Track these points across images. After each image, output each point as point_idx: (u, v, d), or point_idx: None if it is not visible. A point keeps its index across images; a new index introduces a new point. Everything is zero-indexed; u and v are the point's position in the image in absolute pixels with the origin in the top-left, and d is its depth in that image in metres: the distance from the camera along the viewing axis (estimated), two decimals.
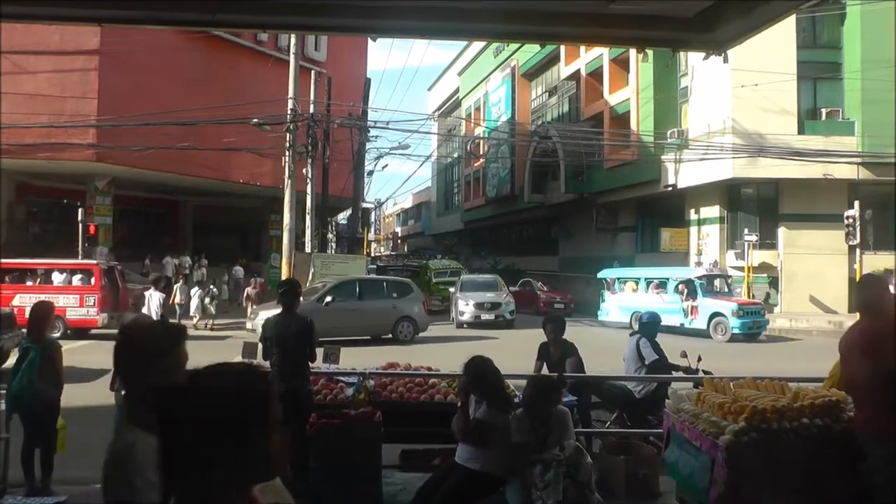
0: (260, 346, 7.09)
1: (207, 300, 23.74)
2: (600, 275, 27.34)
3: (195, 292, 23.67)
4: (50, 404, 6.52)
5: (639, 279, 25.60)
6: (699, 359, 8.06)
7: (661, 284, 24.19)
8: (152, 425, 1.81)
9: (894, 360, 4.04)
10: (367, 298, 20.85)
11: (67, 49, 24.54)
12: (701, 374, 7.51)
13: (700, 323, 22.03)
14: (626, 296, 25.45)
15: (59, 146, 24.04)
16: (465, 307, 25.18)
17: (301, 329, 6.76)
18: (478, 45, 55.32)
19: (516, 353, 9.98)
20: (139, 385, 2.26)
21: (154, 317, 14.30)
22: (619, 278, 26.48)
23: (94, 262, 21.06)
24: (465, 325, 24.96)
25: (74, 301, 19.70)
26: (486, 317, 24.83)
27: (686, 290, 22.76)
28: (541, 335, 7.95)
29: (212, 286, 25.26)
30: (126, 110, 23.73)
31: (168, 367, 2.26)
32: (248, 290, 25.33)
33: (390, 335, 20.56)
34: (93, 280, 20.23)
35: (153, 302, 14.53)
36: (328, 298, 20.12)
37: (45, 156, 23.87)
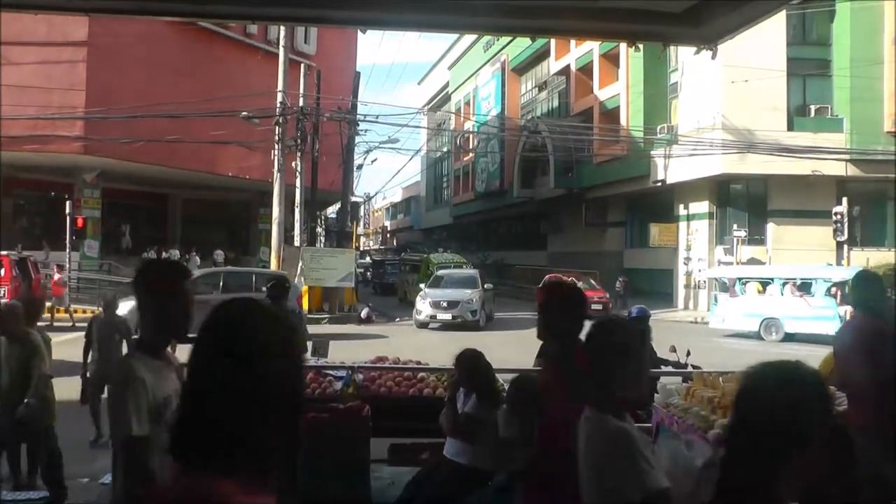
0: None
1: None
2: (710, 274, 24.40)
3: None
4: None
5: (769, 279, 21.92)
6: (688, 353, 8.06)
7: (803, 285, 20.81)
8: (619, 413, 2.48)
9: (889, 356, 4.05)
10: (230, 291, 18.22)
11: (55, 40, 24.33)
12: (690, 369, 7.52)
13: None
14: (752, 299, 21.67)
15: (46, 138, 23.86)
16: (423, 305, 23.05)
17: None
18: (468, 40, 55.26)
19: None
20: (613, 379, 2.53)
21: None
22: (740, 278, 22.54)
23: (4, 253, 20.47)
24: (427, 326, 22.79)
25: None
26: (442, 316, 22.43)
27: (842, 293, 19.52)
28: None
29: None
30: (114, 102, 23.58)
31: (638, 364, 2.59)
32: None
33: None
34: (2, 271, 19.74)
35: None
36: None
37: (31, 148, 23.67)
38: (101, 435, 7.90)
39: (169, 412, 2.58)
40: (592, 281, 28.93)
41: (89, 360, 8.15)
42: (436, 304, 22.74)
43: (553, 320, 3.46)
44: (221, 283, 19.00)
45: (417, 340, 18.71)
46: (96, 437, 8.03)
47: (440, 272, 26.60)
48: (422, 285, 25.69)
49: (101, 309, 9.09)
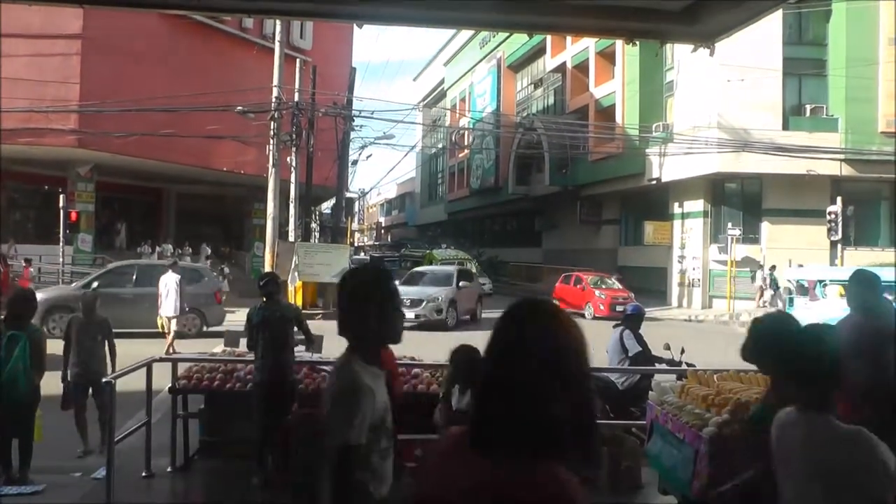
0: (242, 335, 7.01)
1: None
2: (788, 275, 22.57)
3: None
4: (33, 392, 6.42)
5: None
6: (682, 351, 8.07)
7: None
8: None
9: (886, 355, 4.05)
10: (144, 285, 17.15)
11: (49, 33, 24.21)
12: (684, 367, 7.53)
13: None
14: (834, 302, 19.13)
15: (40, 131, 23.74)
16: None
17: (284, 317, 6.73)
18: (464, 36, 55.19)
19: None
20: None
21: (174, 299, 14.17)
22: (820, 280, 20.57)
23: None
24: None
25: None
26: (407, 315, 20.60)
27: None
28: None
29: (222, 274, 25.04)
30: (109, 96, 23.47)
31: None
32: None
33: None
34: None
35: (170, 284, 14.36)
36: (95, 284, 17.20)
37: (25, 141, 23.56)
38: (90, 449, 7.73)
39: (388, 418, 2.62)
40: (614, 281, 27.90)
41: (70, 362, 7.84)
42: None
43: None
44: (135, 277, 18.08)
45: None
46: (84, 451, 7.76)
47: (417, 269, 26.57)
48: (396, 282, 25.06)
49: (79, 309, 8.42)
